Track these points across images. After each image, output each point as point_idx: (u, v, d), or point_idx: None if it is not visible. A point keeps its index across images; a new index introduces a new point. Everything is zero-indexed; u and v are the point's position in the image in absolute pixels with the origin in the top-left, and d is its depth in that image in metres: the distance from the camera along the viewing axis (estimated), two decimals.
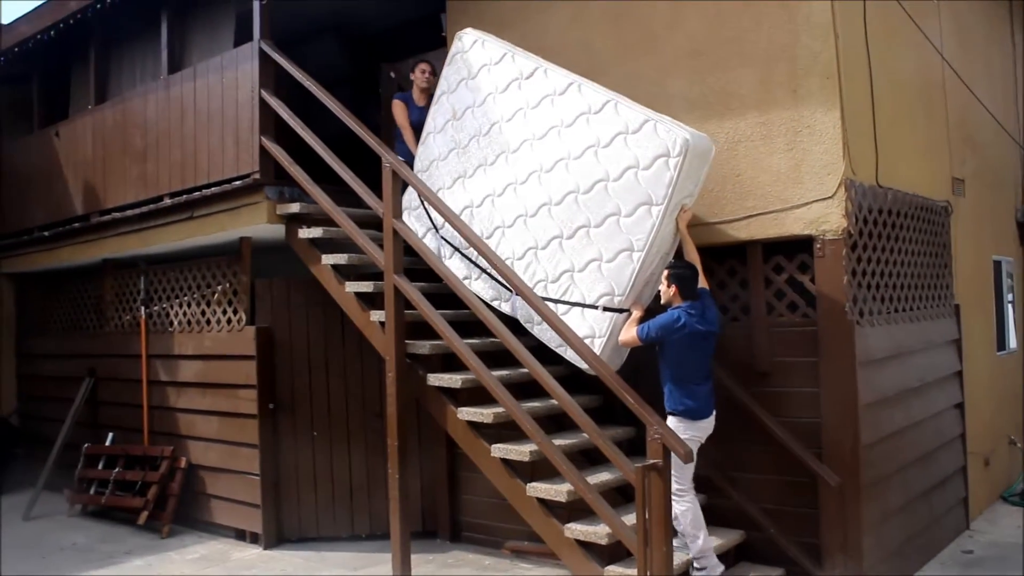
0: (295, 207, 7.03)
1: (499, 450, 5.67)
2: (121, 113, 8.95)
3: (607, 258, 5.63)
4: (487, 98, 6.39)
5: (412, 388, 6.24)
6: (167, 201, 8.12)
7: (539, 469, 5.63)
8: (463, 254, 6.46)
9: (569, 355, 5.74)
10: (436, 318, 5.93)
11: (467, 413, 5.88)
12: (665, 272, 5.41)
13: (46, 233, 10.02)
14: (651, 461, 4.77)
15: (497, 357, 6.14)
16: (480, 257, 6.21)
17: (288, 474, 7.74)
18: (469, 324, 6.19)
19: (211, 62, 7.81)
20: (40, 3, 9.69)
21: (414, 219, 6.74)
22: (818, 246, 5.70)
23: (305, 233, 6.95)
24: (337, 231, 6.77)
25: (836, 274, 5.64)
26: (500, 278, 6.08)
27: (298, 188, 7.00)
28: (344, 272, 6.79)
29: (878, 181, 6.12)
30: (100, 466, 9.04)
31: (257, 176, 7.15)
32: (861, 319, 5.77)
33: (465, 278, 6.33)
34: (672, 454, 4.83)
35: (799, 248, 5.86)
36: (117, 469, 8.80)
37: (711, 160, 5.67)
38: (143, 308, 9.03)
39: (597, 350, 5.55)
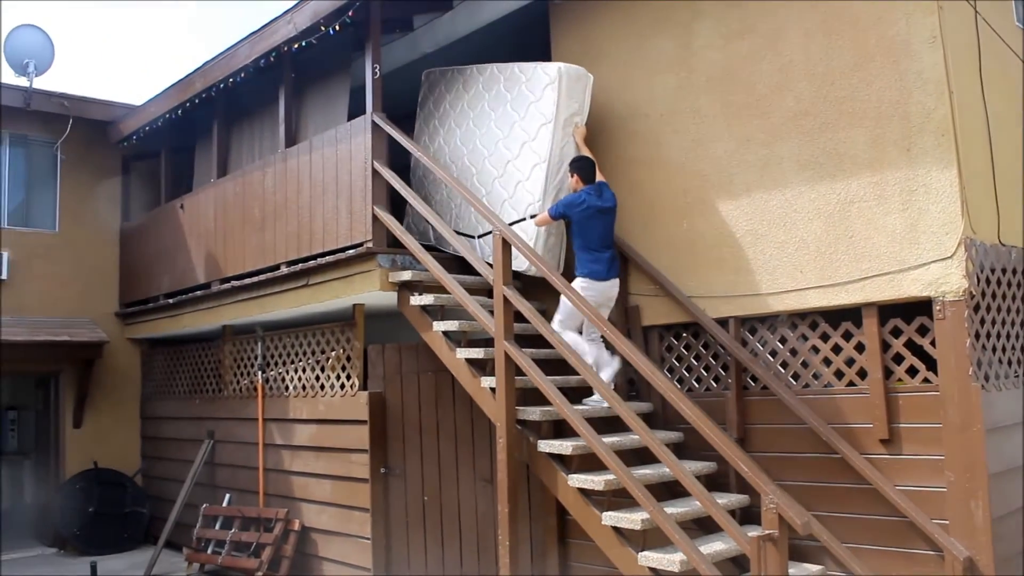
0: (407, 275, 7.19)
1: (610, 518, 5.61)
2: (241, 185, 9.37)
3: (526, 177, 7.14)
4: (445, 110, 8.08)
5: (522, 454, 6.24)
6: (284, 269, 8.41)
7: (651, 537, 5.53)
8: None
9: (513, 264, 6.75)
10: (546, 384, 5.94)
11: (578, 480, 5.83)
12: (567, 167, 6.83)
13: (170, 300, 10.50)
14: (767, 532, 4.66)
15: (609, 421, 6.11)
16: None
17: (399, 538, 7.79)
18: (579, 389, 6.19)
19: (326, 135, 8.12)
20: (168, 86, 10.32)
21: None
22: (938, 308, 5.52)
23: (417, 300, 7.08)
24: (448, 298, 6.89)
25: (958, 337, 5.43)
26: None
27: (409, 256, 7.18)
28: (455, 338, 6.89)
29: (1000, 239, 5.92)
30: (217, 526, 9.29)
31: (370, 245, 7.35)
32: (987, 383, 5.53)
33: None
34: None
35: (917, 310, 5.67)
36: (233, 530, 9.01)
37: (590, 85, 7.20)
38: (260, 373, 9.32)
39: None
